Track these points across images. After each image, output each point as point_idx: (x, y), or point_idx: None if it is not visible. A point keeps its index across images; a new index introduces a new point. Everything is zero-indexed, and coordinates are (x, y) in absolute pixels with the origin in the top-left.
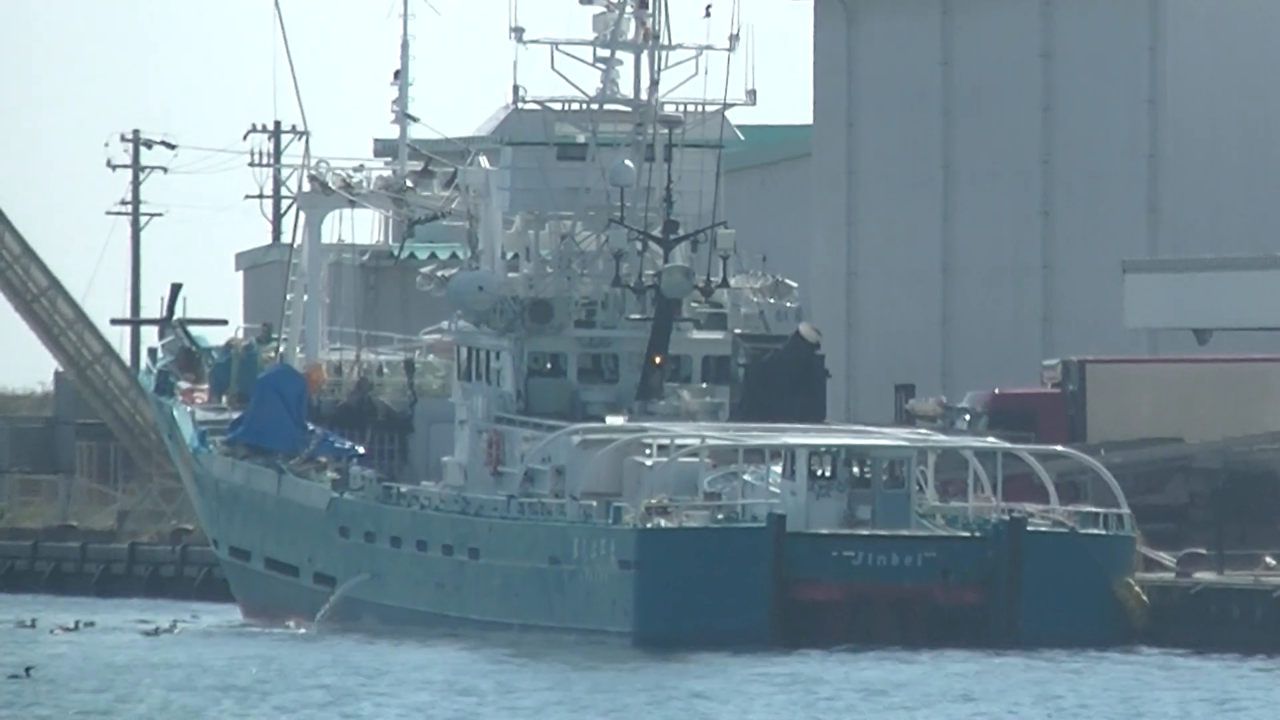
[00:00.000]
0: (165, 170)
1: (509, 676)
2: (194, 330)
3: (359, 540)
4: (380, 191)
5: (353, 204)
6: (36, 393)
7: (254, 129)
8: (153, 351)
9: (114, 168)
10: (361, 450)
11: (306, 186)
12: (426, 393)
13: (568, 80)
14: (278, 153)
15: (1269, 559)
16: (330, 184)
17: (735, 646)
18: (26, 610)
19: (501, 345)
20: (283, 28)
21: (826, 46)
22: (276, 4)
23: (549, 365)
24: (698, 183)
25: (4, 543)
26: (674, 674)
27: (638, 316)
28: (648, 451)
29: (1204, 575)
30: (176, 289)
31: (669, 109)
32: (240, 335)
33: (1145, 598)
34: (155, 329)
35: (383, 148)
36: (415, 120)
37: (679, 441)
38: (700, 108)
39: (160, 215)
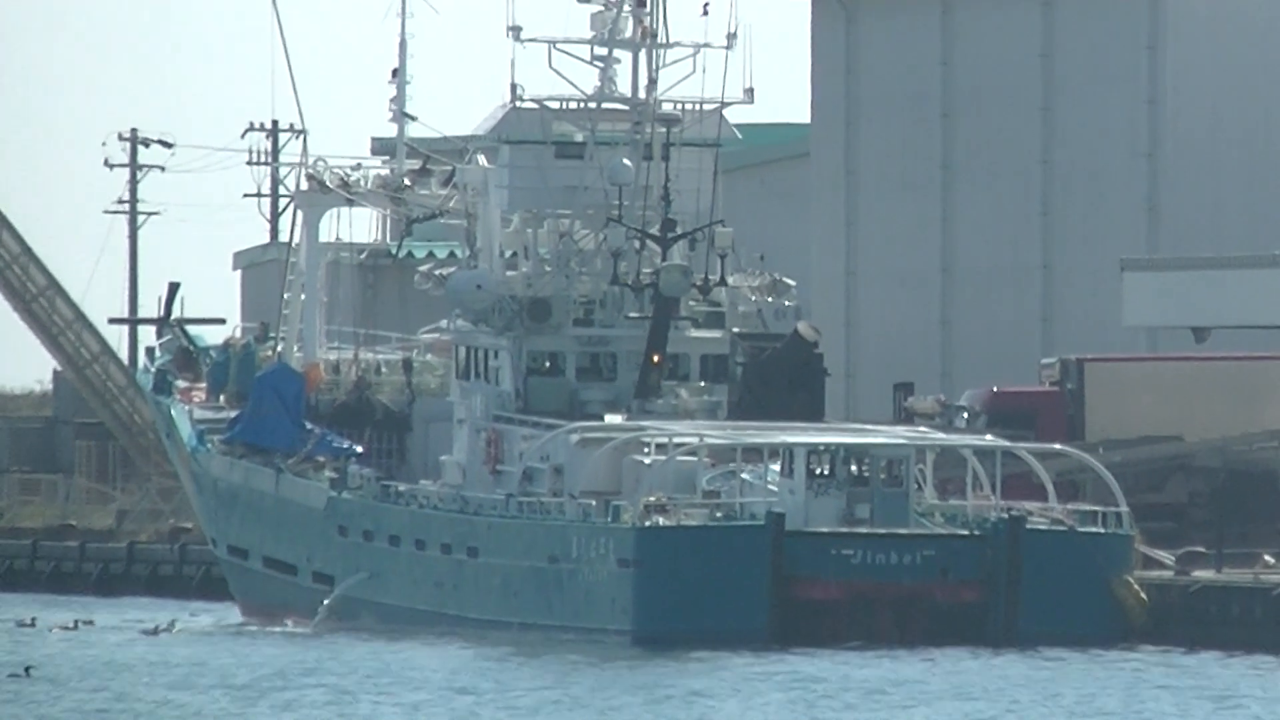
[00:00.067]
0: (163, 169)
1: (507, 675)
2: (192, 329)
3: (357, 539)
4: (378, 190)
5: (351, 202)
6: (35, 392)
7: (252, 127)
8: (151, 351)
9: (112, 167)
10: (360, 449)
11: (304, 185)
12: (425, 391)
13: (566, 79)
14: (275, 151)
15: (1268, 557)
16: (328, 182)
17: (734, 645)
18: (26, 609)
19: (500, 344)
20: (280, 26)
21: (825, 45)
22: (274, 3)
23: (547, 364)
24: (696, 181)
25: (3, 542)
26: (672, 672)
27: (636, 315)
28: (646, 450)
29: (1203, 574)
30: (174, 288)
31: (667, 108)
32: (238, 334)
33: (1144, 596)
34: (153, 328)
35: (381, 146)
36: (413, 119)
37: (677, 440)
38: (698, 106)
39: (158, 214)
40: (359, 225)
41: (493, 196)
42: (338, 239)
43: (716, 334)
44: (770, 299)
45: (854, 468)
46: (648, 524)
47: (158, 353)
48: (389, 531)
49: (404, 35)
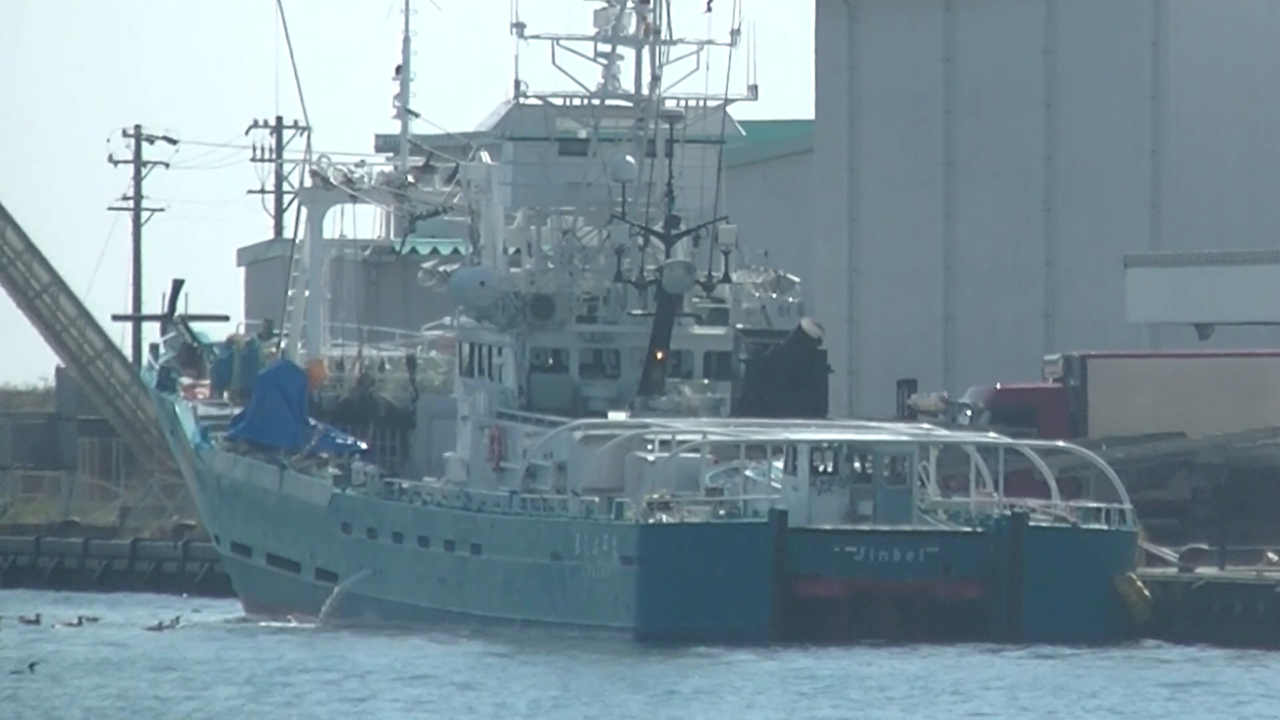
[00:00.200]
0: (167, 165)
1: (510, 672)
2: (196, 326)
3: (361, 536)
4: (382, 187)
5: (354, 199)
6: (39, 389)
7: (255, 124)
8: (154, 347)
9: (116, 163)
10: (363, 446)
11: (308, 182)
12: (428, 388)
13: (569, 75)
14: (279, 148)
15: (1271, 554)
16: (332, 179)
17: (737, 642)
18: (29, 606)
19: (503, 341)
20: (284, 23)
21: (828, 42)
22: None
23: (551, 361)
24: (699, 178)
25: (7, 539)
26: (675, 669)
27: (639, 312)
28: (649, 447)
29: (1206, 570)
30: (178, 285)
31: (670, 104)
32: (242, 331)
33: (1147, 593)
34: (157, 325)
35: (384, 143)
36: (417, 115)
37: (681, 437)
38: (702, 103)
39: (162, 211)
40: (363, 222)
41: (496, 193)
42: (341, 236)
43: (720, 331)
44: (774, 296)
45: (857, 465)
46: (651, 521)
47: (161, 349)
48: (392, 528)
49: (407, 32)
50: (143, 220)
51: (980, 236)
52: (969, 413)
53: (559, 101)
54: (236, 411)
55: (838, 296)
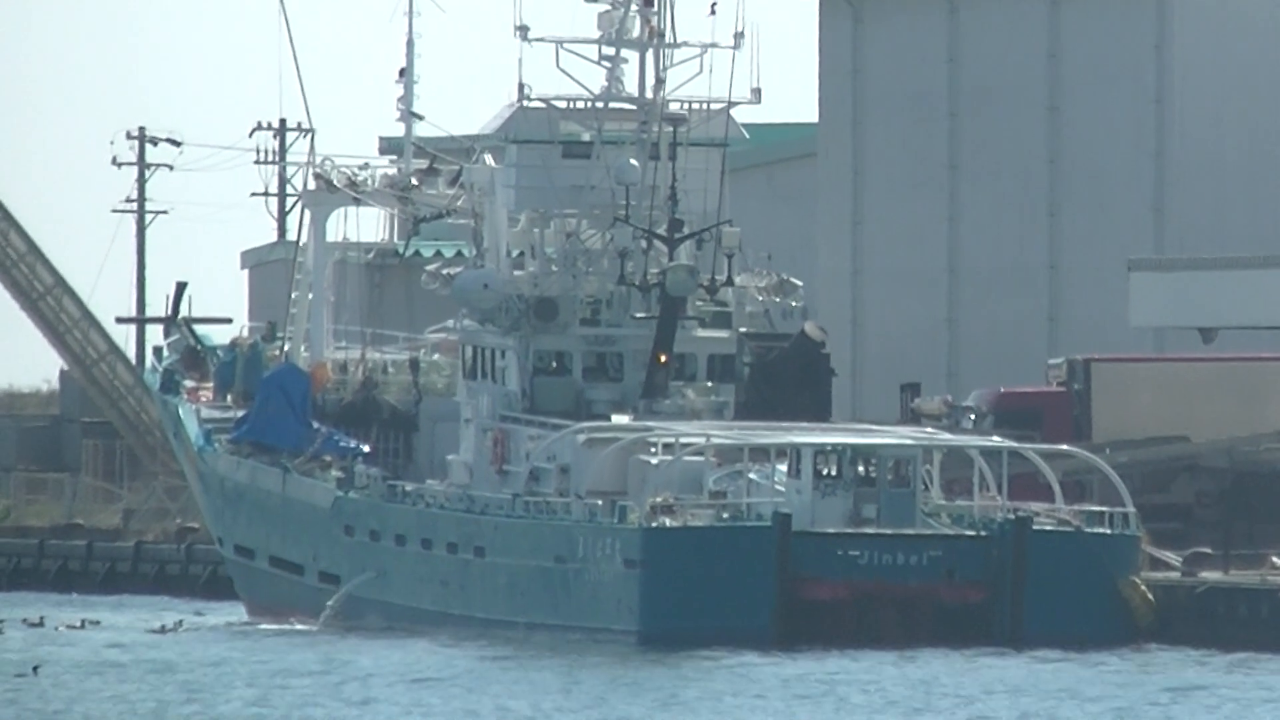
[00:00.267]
0: (170, 168)
1: (511, 675)
2: (199, 328)
3: (364, 539)
4: (385, 189)
5: (358, 202)
6: (42, 391)
7: (259, 127)
8: (158, 350)
9: (119, 165)
10: (366, 449)
11: (312, 184)
12: (431, 391)
13: (573, 78)
14: (283, 150)
15: (1275, 558)
16: (335, 182)
17: (740, 645)
18: (33, 608)
19: (506, 344)
20: (288, 25)
21: (832, 45)
22: (282, 2)
23: (554, 364)
24: (703, 181)
25: (10, 541)
26: (679, 672)
27: (643, 315)
28: (653, 450)
29: (1210, 574)
30: (182, 287)
31: (674, 107)
32: (245, 333)
33: (1151, 597)
34: (160, 327)
35: (388, 146)
36: (420, 118)
37: (684, 440)
38: (705, 106)
39: (165, 213)
40: (366, 224)
41: (499, 196)
42: (345, 238)
43: (723, 334)
44: (777, 299)
45: (861, 468)
46: (654, 524)
47: (165, 352)
48: (395, 531)
49: (411, 35)
50: (146, 222)
51: (983, 239)
52: (972, 416)
53: (563, 104)
54: (240, 414)
55: (841, 299)
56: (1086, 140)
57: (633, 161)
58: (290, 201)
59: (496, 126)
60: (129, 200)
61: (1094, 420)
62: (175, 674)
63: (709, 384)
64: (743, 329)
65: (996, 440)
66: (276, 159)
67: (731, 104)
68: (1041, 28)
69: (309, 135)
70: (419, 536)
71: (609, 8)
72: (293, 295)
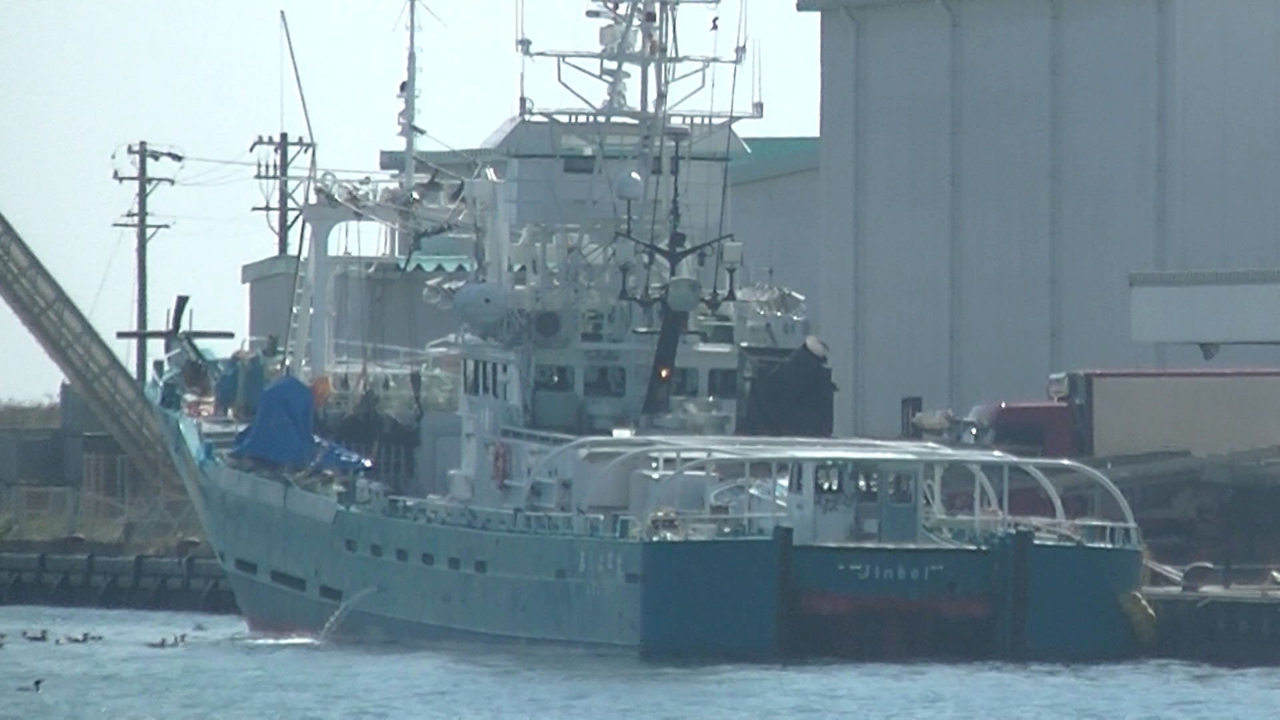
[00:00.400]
0: (172, 182)
1: (516, 689)
2: (200, 343)
3: (365, 553)
4: (387, 204)
5: (359, 216)
6: (44, 405)
7: (260, 141)
8: (159, 364)
9: (120, 180)
10: (368, 463)
11: (313, 199)
12: (433, 405)
13: (574, 93)
14: (284, 165)
15: (1276, 573)
16: (337, 196)
17: (742, 660)
18: (34, 622)
19: (508, 358)
20: (289, 40)
21: (834, 59)
22: (283, 16)
23: (555, 378)
24: (704, 195)
25: (12, 555)
26: (680, 687)
27: (644, 329)
28: (654, 465)
29: (1211, 589)
30: (183, 301)
31: (676, 121)
32: (246, 348)
33: (1152, 612)
34: (162, 341)
35: (389, 160)
36: (422, 132)
37: (685, 455)
38: (707, 120)
39: (167, 227)
40: (367, 239)
41: (501, 210)
42: (346, 252)
43: (725, 348)
44: (779, 313)
45: (862, 483)
46: (656, 539)
47: (166, 366)
48: (397, 545)
49: (413, 49)
50: (148, 237)
51: (985, 253)
52: (974, 431)
53: (564, 118)
54: (241, 428)
55: (843, 314)
56: (1088, 154)
57: (634, 176)
58: (291, 216)
59: (498, 141)
60: (130, 214)
61: (1095, 435)
62: (175, 688)
63: (710, 399)
64: (744, 343)
65: (998, 455)
66: (278, 173)
67: (733, 118)
68: (1044, 41)
69: (310, 149)
70: (420, 551)
71: (611, 22)
72: (294, 309)
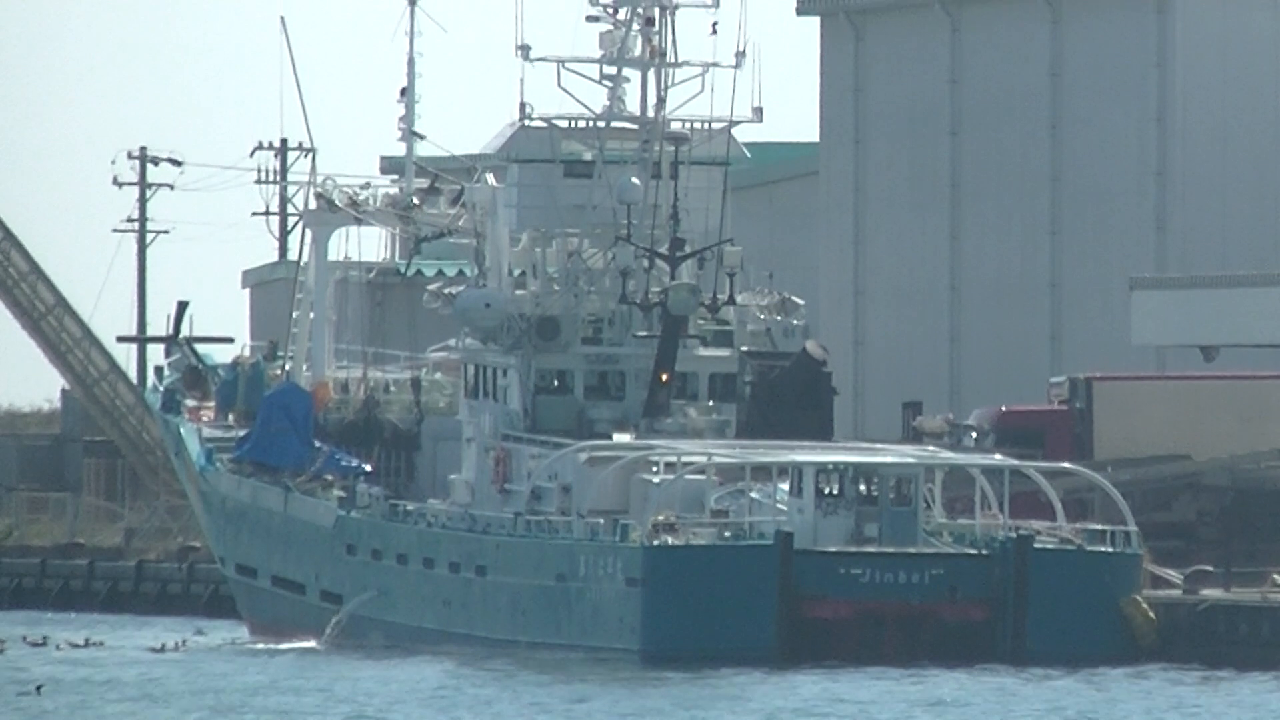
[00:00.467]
0: (172, 187)
1: (516, 693)
2: (200, 348)
3: (365, 558)
4: (387, 209)
5: (359, 221)
6: (44, 410)
7: (260, 146)
8: (159, 369)
9: (120, 185)
10: (368, 468)
11: (313, 204)
12: (433, 410)
13: (574, 98)
14: (284, 170)
15: (1276, 576)
16: (337, 201)
17: (742, 664)
18: (35, 628)
19: (508, 363)
20: (289, 45)
21: (834, 64)
22: (283, 21)
23: (556, 383)
24: (704, 200)
25: (12, 560)
26: (681, 691)
27: (644, 334)
28: (654, 469)
29: (1211, 592)
30: (183, 306)
31: (675, 126)
32: (247, 353)
33: (1152, 615)
34: (162, 346)
35: (389, 165)
36: (422, 138)
37: (686, 459)
38: (707, 125)
39: (166, 232)
40: (368, 244)
41: (501, 215)
42: (346, 258)
43: (725, 353)
44: (779, 318)
45: (862, 487)
46: (656, 543)
47: (166, 371)
48: (397, 550)
49: (412, 54)
50: (147, 242)
51: (985, 257)
52: (974, 435)
53: (564, 124)
54: (241, 433)
55: (843, 318)
56: (1088, 158)
57: (634, 180)
58: (291, 221)
59: (498, 146)
60: (130, 220)
61: (1096, 438)
62: (176, 693)
63: (710, 403)
64: (744, 348)
65: (998, 459)
66: (278, 178)
67: (733, 123)
68: (1043, 46)
69: (310, 155)
70: (421, 556)
71: (610, 27)
72: (294, 314)
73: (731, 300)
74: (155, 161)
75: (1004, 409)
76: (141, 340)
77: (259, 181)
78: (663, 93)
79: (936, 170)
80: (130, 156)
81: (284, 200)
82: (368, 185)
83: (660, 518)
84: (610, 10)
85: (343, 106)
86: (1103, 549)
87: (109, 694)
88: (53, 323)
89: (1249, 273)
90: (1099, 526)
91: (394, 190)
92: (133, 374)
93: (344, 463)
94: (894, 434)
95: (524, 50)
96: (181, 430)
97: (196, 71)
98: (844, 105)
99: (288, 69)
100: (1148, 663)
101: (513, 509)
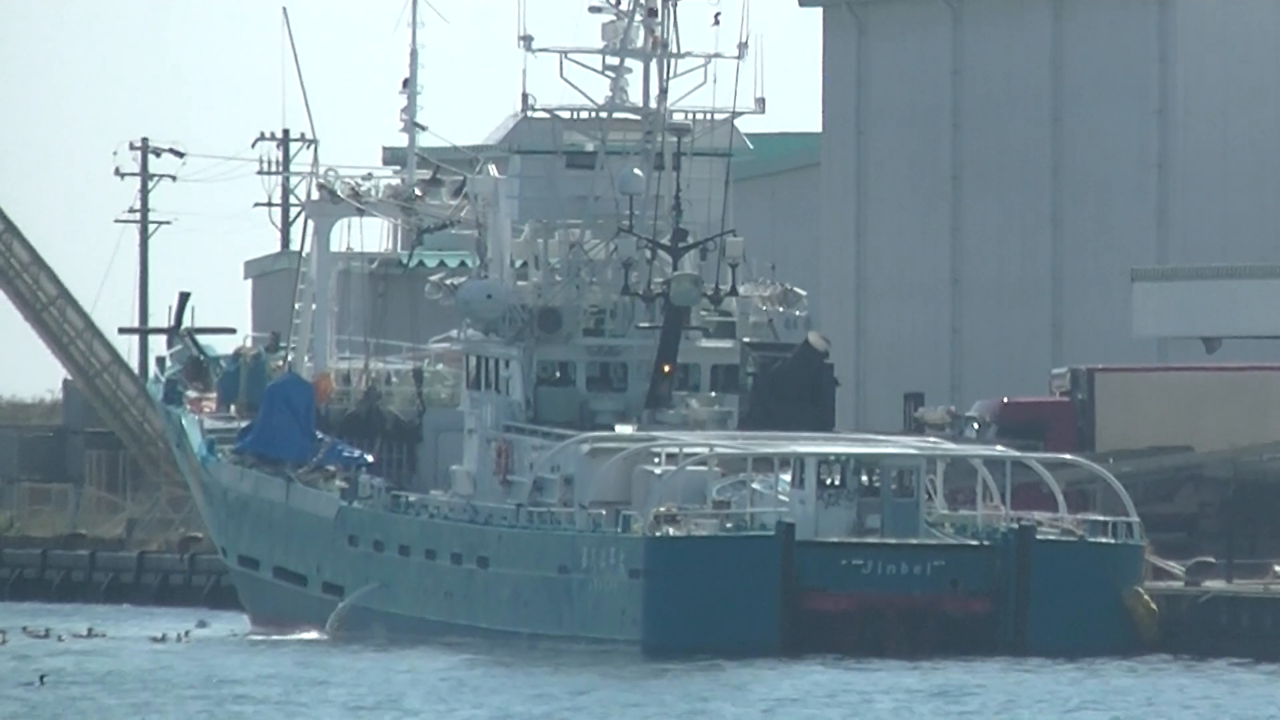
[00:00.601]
0: (174, 178)
1: (519, 684)
2: (202, 339)
3: (367, 549)
4: (389, 200)
5: (361, 212)
6: (45, 402)
7: (262, 137)
8: (161, 360)
9: (122, 176)
10: (370, 459)
11: (315, 195)
12: (435, 402)
13: (577, 89)
14: (286, 161)
15: (1278, 568)
16: (339, 192)
17: (744, 656)
18: (36, 619)
19: (510, 354)
20: (291, 36)
21: (836, 55)
22: (285, 12)
23: (558, 374)
24: (707, 191)
25: (14, 551)
26: (682, 683)
27: (646, 325)
28: (656, 460)
29: (1213, 584)
30: (185, 297)
31: (678, 117)
32: (248, 344)
33: (1154, 607)
34: (164, 338)
35: (391, 156)
36: (424, 128)
37: (688, 450)
38: (709, 116)
39: (168, 223)
40: (370, 235)
41: (503, 206)
42: (348, 249)
43: (727, 344)
44: (781, 309)
45: (864, 478)
46: (658, 534)
47: (168, 362)
48: (399, 541)
49: (415, 45)
50: (149, 233)
51: (987, 250)
52: (976, 426)
53: (566, 114)
54: (243, 424)
55: (844, 310)
56: (1090, 151)
57: (636, 172)
58: (293, 212)
59: (500, 137)
60: (132, 211)
61: (1097, 430)
62: (179, 684)
63: (713, 394)
64: (746, 339)
65: (1000, 450)
66: (280, 169)
67: (735, 114)
68: (1045, 39)
69: (312, 145)
70: (423, 547)
71: (613, 18)
72: (296, 306)
73: (734, 291)
74: (157, 152)
75: (1005, 400)
76: (143, 331)
77: (261, 172)
78: (665, 84)
79: (938, 162)
80: (132, 147)
81: (286, 191)
82: (370, 176)
83: (662, 509)
84: (613, 1)
85: (345, 97)
86: (1104, 540)
87: (112, 685)
88: (54, 314)
89: (1250, 264)
90: (1101, 518)
91: (396, 181)
92: (134, 365)
93: (346, 454)
94: (896, 425)
95: (526, 41)
96: (183, 421)
97: (198, 62)
98: (846, 97)
99: (290, 60)
100: (1149, 654)
101: (515, 500)
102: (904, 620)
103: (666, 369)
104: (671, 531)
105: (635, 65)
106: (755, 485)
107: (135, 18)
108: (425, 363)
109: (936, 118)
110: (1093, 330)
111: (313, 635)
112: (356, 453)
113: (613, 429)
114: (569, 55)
